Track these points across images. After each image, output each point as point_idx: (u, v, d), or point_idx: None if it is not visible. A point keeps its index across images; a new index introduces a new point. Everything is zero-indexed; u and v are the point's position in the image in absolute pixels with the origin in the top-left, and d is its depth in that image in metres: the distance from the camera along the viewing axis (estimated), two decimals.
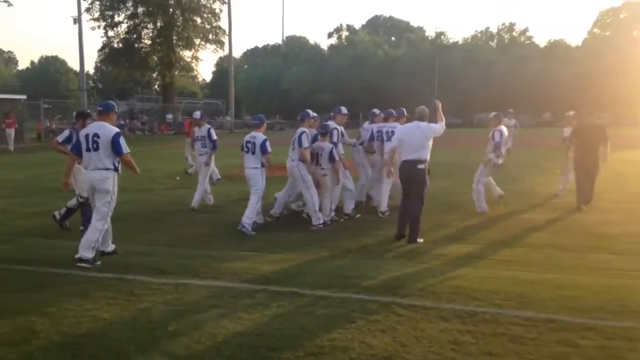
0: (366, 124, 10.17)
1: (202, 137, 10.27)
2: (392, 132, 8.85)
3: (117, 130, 6.34)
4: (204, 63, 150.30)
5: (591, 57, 54.89)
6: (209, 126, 10.51)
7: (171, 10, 45.33)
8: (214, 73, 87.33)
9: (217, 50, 49.65)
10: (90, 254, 6.16)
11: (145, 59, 46.17)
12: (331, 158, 8.50)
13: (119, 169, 6.35)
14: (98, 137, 6.15)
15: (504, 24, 78.01)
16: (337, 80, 64.98)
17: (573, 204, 9.45)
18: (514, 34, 76.66)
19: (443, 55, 62.98)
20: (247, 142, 8.22)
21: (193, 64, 50.39)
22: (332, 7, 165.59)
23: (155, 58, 46.68)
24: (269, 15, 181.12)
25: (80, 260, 6.12)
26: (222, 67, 74.37)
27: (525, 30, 76.38)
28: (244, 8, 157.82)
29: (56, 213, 8.25)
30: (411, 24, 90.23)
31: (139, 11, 45.62)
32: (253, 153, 8.14)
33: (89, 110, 9.06)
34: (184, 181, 14.12)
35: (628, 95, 46.58)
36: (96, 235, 6.19)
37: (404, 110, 9.86)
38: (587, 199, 9.42)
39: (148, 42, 46.85)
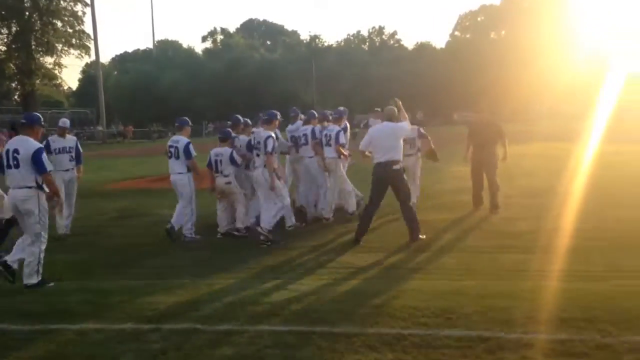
0: (293, 126, 9.41)
1: (70, 149, 8.81)
2: (330, 135, 8.62)
3: (39, 146, 5.85)
4: (69, 70, 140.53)
5: (455, 58, 58.74)
6: (75, 138, 9.37)
7: (27, 13, 41.51)
8: (80, 80, 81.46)
9: (82, 56, 46.37)
10: (36, 279, 5.82)
11: (0, 67, 41.88)
12: (232, 162, 8.01)
13: (43, 187, 5.83)
14: (18, 152, 5.71)
15: (374, 27, 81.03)
16: (214, 84, 63.70)
17: (468, 202, 9.42)
18: (384, 37, 79.89)
19: (319, 59, 64.11)
20: (170, 146, 7.93)
21: (56, 71, 46.65)
22: (204, 10, 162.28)
23: (12, 65, 42.52)
24: (138, 18, 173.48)
25: (28, 287, 5.79)
26: (89, 74, 69.57)
27: (394, 33, 79.89)
28: (110, 11, 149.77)
29: None
30: (285, 27, 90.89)
31: None
32: (177, 158, 7.83)
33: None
34: None
35: (491, 93, 50.33)
36: (36, 258, 5.80)
37: (345, 110, 9.60)
38: (478, 201, 9.26)
39: (3, 48, 42.62)
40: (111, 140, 48.22)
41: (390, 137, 7.20)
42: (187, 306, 5.00)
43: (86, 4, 43.45)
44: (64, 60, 46.80)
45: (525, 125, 31.96)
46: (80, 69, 74.45)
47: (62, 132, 8.75)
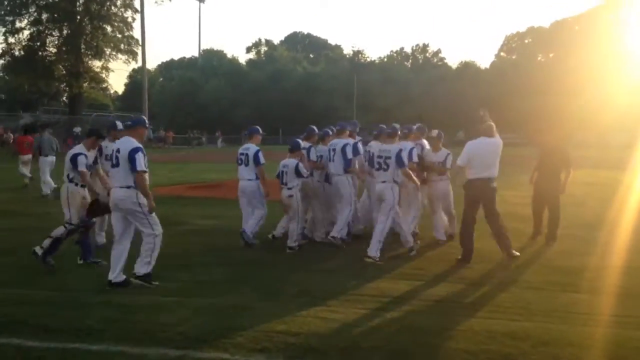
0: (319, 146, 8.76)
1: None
2: (334, 150, 8.17)
3: (137, 145, 5.91)
4: (116, 75, 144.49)
5: (499, 78, 57.66)
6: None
7: (79, 17, 42.57)
8: (126, 85, 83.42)
9: (129, 61, 47.28)
10: (145, 270, 5.95)
11: (50, 68, 42.96)
12: (298, 174, 7.77)
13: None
14: (119, 152, 5.90)
15: (417, 44, 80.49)
16: (256, 95, 64.15)
17: (523, 230, 8.78)
18: (427, 54, 79.24)
19: (361, 74, 63.85)
20: (241, 153, 8.17)
21: (103, 75, 47.61)
22: (250, 21, 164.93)
23: (61, 67, 43.61)
24: (185, 27, 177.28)
25: (138, 277, 5.95)
26: (136, 79, 71.11)
27: (438, 51, 79.16)
28: (159, 18, 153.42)
29: (37, 248, 6.69)
30: (329, 41, 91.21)
31: (43, 17, 42.56)
32: (247, 165, 8.05)
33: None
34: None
35: (534, 116, 49.04)
36: (152, 254, 5.94)
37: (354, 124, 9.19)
38: (537, 230, 8.68)
39: (53, 50, 43.73)
40: (152, 145, 48.91)
41: (491, 153, 7.10)
42: (216, 331, 4.61)
43: (136, 11, 44.25)
44: (112, 64, 47.97)
45: (573, 152, 30.74)
46: (127, 73, 76.15)
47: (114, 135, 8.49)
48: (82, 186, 6.89)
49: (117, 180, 5.94)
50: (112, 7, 43.94)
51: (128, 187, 5.83)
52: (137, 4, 43.74)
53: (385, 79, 64.09)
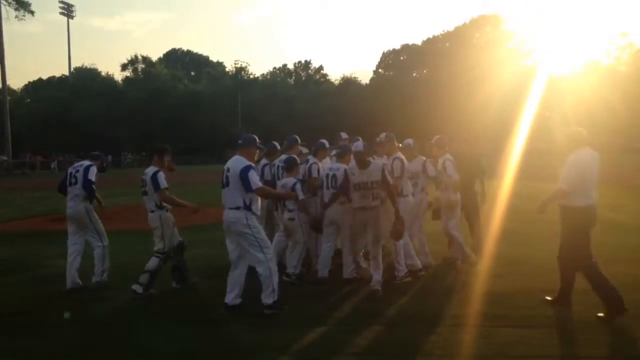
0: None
1: None
2: (335, 175, 6.89)
3: (249, 163, 5.63)
4: None
5: (379, 94, 59.77)
6: None
7: None
8: None
9: None
10: (272, 298, 5.56)
11: None
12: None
13: (252, 207, 5.65)
14: (229, 171, 5.64)
15: (299, 61, 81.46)
16: (134, 114, 61.27)
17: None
18: (310, 71, 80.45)
19: (245, 91, 63.36)
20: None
21: None
22: (124, 39, 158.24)
23: None
24: (53, 44, 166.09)
25: (268, 307, 5.57)
26: (3, 101, 65.19)
27: (320, 67, 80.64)
28: (24, 35, 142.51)
29: (136, 287, 6.33)
30: (210, 58, 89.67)
31: None
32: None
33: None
34: None
35: (413, 130, 51.17)
36: (271, 280, 5.56)
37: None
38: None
39: None
40: (18, 171, 44.73)
41: (597, 169, 5.55)
42: None
43: None
44: None
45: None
46: None
47: None
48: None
49: (227, 201, 5.66)
50: None
51: (238, 209, 5.55)
52: None
53: (269, 95, 64.15)
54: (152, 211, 6.54)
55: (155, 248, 6.56)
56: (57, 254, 8.73)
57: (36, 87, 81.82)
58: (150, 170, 6.52)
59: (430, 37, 67.09)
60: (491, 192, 8.69)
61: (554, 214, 5.74)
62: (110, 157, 50.61)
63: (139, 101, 62.77)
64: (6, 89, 41.28)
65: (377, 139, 7.60)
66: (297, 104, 62.33)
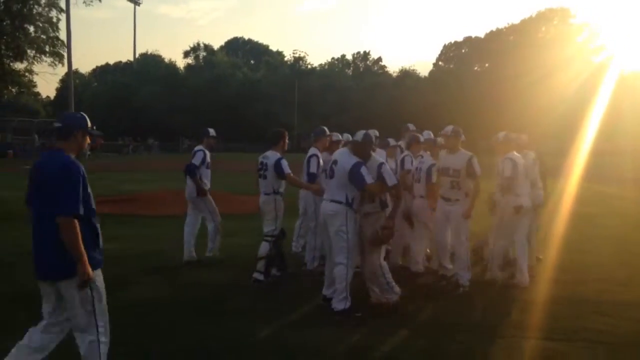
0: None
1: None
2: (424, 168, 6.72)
3: (357, 160, 5.27)
4: (48, 79, 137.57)
5: (437, 87, 58.45)
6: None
7: None
8: (58, 90, 79.51)
9: (55, 64, 44.41)
10: (344, 304, 5.20)
11: None
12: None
13: (354, 205, 5.32)
14: (336, 164, 5.41)
15: (358, 52, 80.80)
16: (194, 100, 62.57)
17: None
18: (368, 62, 79.67)
19: (302, 80, 63.39)
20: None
21: (27, 78, 44.74)
22: (188, 26, 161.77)
23: None
24: (121, 31, 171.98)
25: (338, 313, 5.19)
26: (68, 84, 68.02)
27: (379, 59, 79.70)
28: (92, 20, 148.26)
29: (256, 275, 6.39)
30: (270, 47, 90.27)
31: None
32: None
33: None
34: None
35: (472, 124, 49.76)
36: (343, 280, 5.20)
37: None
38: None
39: None
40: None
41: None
42: None
43: (62, 10, 41.73)
44: (40, 67, 45.00)
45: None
46: (60, 77, 72.48)
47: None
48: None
49: (328, 193, 5.47)
50: (36, 6, 41.28)
51: (339, 202, 5.29)
52: (63, 4, 41.29)
53: (326, 86, 63.91)
54: (267, 194, 6.49)
55: (265, 231, 6.50)
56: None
57: (103, 72, 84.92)
58: (273, 156, 6.47)
59: (494, 29, 64.98)
60: (555, 192, 8.17)
61: (607, 218, 5.22)
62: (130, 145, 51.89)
63: (198, 88, 63.95)
64: (71, 72, 42.61)
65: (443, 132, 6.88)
66: (353, 95, 61.80)
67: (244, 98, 63.07)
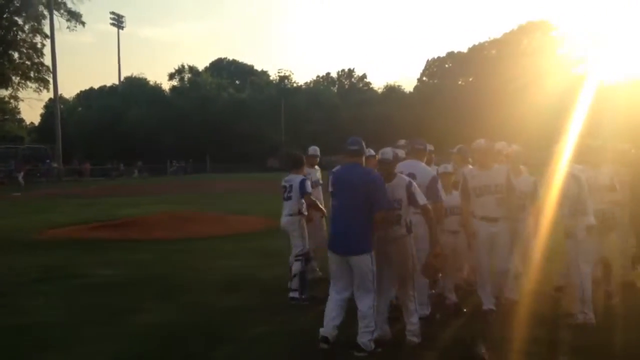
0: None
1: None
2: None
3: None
4: (32, 105, 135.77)
5: (423, 102, 58.99)
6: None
7: None
8: (42, 116, 78.85)
9: (40, 90, 44.20)
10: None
11: None
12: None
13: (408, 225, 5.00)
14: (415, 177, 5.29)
15: (343, 69, 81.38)
16: (181, 121, 62.37)
17: None
18: (353, 79, 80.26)
19: (288, 99, 63.64)
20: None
21: (12, 105, 44.45)
22: (172, 48, 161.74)
23: None
24: (104, 54, 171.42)
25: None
26: (53, 110, 67.43)
27: (364, 76, 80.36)
28: (75, 46, 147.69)
29: (293, 294, 6.47)
30: (255, 67, 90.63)
31: None
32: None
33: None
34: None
35: (459, 138, 50.06)
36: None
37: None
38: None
39: None
40: (68, 178, 45.92)
41: None
42: None
43: (46, 36, 41.69)
44: (25, 93, 44.66)
45: None
46: (44, 103, 71.97)
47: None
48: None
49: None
50: (20, 33, 41.19)
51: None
52: (47, 30, 41.23)
53: (313, 103, 64.21)
54: (292, 215, 6.70)
55: (294, 252, 6.65)
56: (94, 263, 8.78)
57: (88, 96, 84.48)
58: (297, 177, 6.76)
59: (477, 44, 65.89)
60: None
61: None
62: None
63: (185, 109, 63.92)
64: (57, 97, 42.40)
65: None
66: (341, 112, 62.15)
67: (230, 118, 63.11)
